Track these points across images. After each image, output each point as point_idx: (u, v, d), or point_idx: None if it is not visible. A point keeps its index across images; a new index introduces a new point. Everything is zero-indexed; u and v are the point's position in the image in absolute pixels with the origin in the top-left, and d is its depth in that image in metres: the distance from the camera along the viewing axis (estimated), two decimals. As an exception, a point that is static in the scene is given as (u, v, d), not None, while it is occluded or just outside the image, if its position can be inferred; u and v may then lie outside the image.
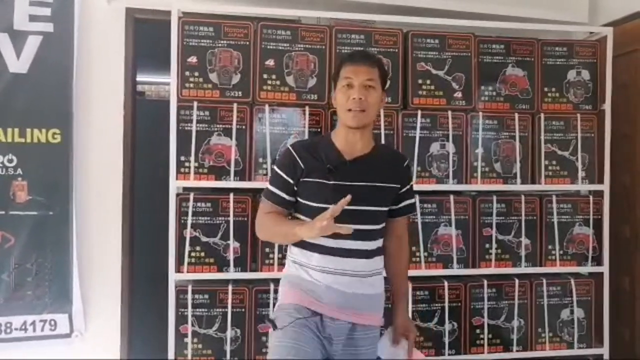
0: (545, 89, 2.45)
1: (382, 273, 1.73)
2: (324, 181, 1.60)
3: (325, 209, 1.52)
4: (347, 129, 1.65)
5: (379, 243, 1.68)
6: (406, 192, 1.74)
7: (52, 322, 2.41)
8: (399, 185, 1.70)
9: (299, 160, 1.63)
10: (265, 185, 1.72)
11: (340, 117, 1.69)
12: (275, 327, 1.59)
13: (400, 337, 1.73)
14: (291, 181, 1.64)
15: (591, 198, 2.46)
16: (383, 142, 2.25)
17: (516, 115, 2.41)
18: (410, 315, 2.28)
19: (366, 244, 1.63)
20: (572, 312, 2.43)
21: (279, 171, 1.66)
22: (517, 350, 2.38)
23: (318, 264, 1.61)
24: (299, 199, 1.66)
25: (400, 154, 1.98)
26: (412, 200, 1.77)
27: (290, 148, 1.68)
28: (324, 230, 1.48)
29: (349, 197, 1.49)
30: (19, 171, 2.37)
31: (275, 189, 1.66)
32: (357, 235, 1.57)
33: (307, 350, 1.52)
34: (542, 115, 2.43)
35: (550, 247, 2.42)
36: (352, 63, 1.65)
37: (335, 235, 1.54)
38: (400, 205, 1.74)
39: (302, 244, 1.63)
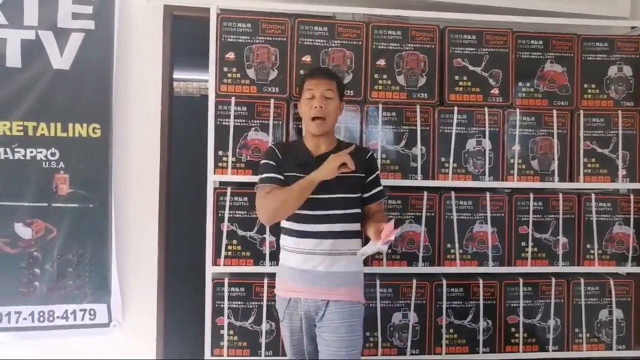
0: (585, 85, 2.40)
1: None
2: (296, 174, 1.86)
3: None
4: (312, 135, 1.91)
5: (350, 227, 1.89)
6: (373, 181, 1.95)
7: (92, 312, 2.48)
8: (363, 175, 1.92)
9: (279, 154, 1.92)
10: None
11: (305, 125, 1.94)
12: (278, 317, 1.98)
13: (378, 232, 1.70)
14: (277, 166, 1.89)
15: (632, 197, 2.41)
16: (419, 139, 2.29)
17: (554, 111, 2.38)
18: (444, 312, 2.29)
19: (334, 226, 1.85)
20: (610, 312, 2.38)
21: (267, 161, 1.92)
22: (553, 350, 2.35)
23: (296, 245, 1.87)
24: None
25: (362, 147, 2.15)
26: (380, 188, 1.98)
27: (272, 146, 2.00)
28: (337, 162, 1.79)
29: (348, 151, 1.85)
30: (61, 164, 2.44)
31: (269, 174, 1.89)
32: (325, 219, 1.84)
33: (298, 337, 1.91)
34: (582, 112, 2.38)
35: (588, 246, 2.38)
36: (313, 77, 1.92)
37: (307, 220, 1.85)
38: (370, 193, 1.95)
39: (285, 231, 1.92)
